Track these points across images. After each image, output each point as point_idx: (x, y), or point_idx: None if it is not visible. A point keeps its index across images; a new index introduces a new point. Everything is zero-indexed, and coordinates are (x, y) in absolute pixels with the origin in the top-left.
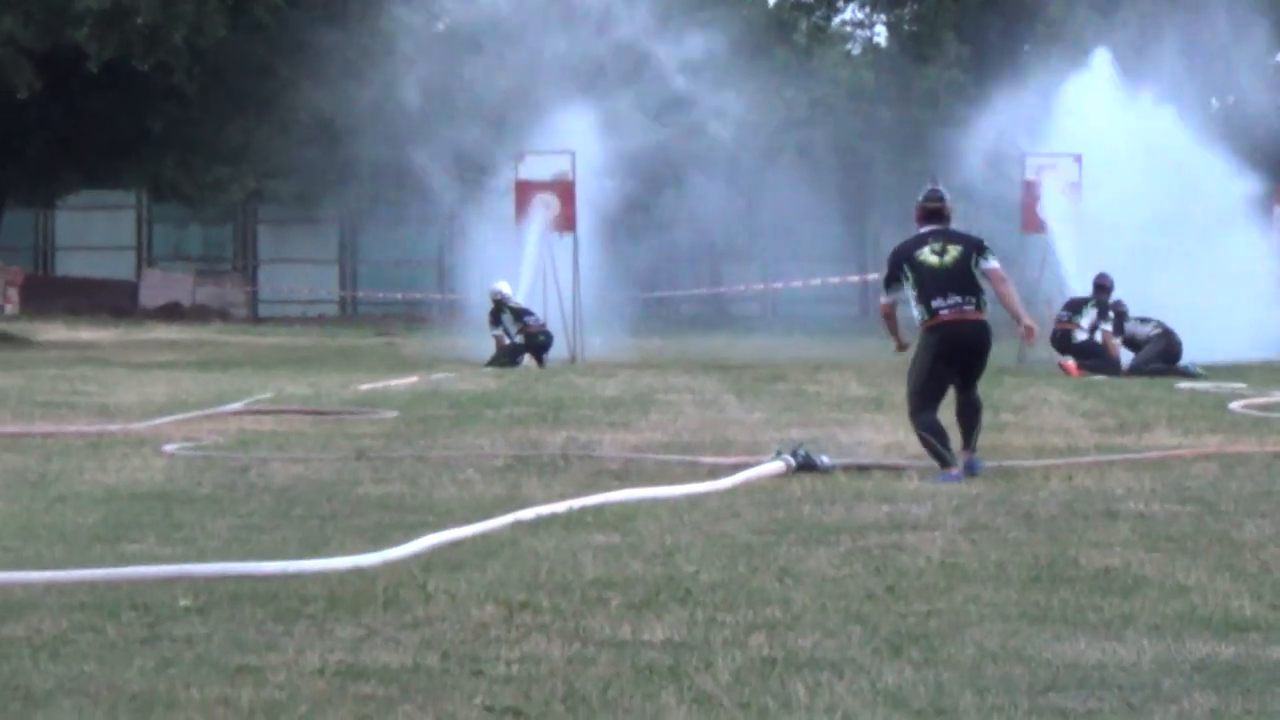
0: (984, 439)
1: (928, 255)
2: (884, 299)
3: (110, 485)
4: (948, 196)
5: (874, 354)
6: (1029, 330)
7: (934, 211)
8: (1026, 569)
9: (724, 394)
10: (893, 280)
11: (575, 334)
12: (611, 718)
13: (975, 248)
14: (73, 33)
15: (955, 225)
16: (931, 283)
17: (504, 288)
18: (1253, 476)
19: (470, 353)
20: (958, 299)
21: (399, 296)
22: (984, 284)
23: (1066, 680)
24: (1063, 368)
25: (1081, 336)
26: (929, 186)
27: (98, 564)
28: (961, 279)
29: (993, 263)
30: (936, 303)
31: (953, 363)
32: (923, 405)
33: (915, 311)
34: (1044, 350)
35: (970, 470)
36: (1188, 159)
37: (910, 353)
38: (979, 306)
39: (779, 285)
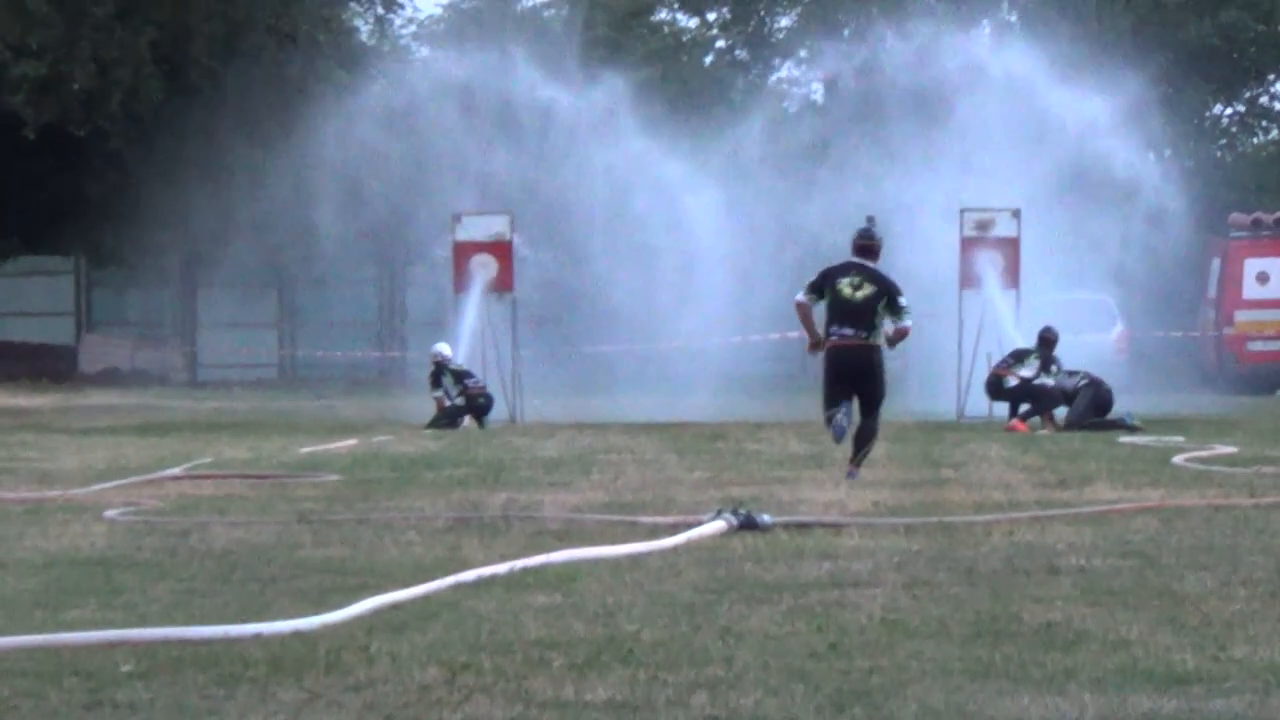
0: (924, 494)
1: (845, 287)
2: (801, 297)
3: (50, 551)
4: (878, 235)
5: (814, 412)
6: (896, 334)
7: (863, 248)
8: (968, 625)
9: (664, 453)
10: (814, 290)
11: (515, 395)
12: None
13: (889, 295)
14: (9, 99)
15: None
16: (838, 310)
17: (445, 349)
18: (1193, 530)
19: (410, 415)
20: (849, 331)
21: (339, 355)
22: (882, 320)
23: None
24: (1012, 429)
25: (1013, 383)
26: (864, 225)
27: (39, 630)
28: (861, 314)
29: (906, 322)
30: (833, 329)
31: (842, 379)
32: (827, 407)
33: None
34: (983, 406)
35: (848, 477)
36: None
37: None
38: (869, 337)
39: (719, 342)
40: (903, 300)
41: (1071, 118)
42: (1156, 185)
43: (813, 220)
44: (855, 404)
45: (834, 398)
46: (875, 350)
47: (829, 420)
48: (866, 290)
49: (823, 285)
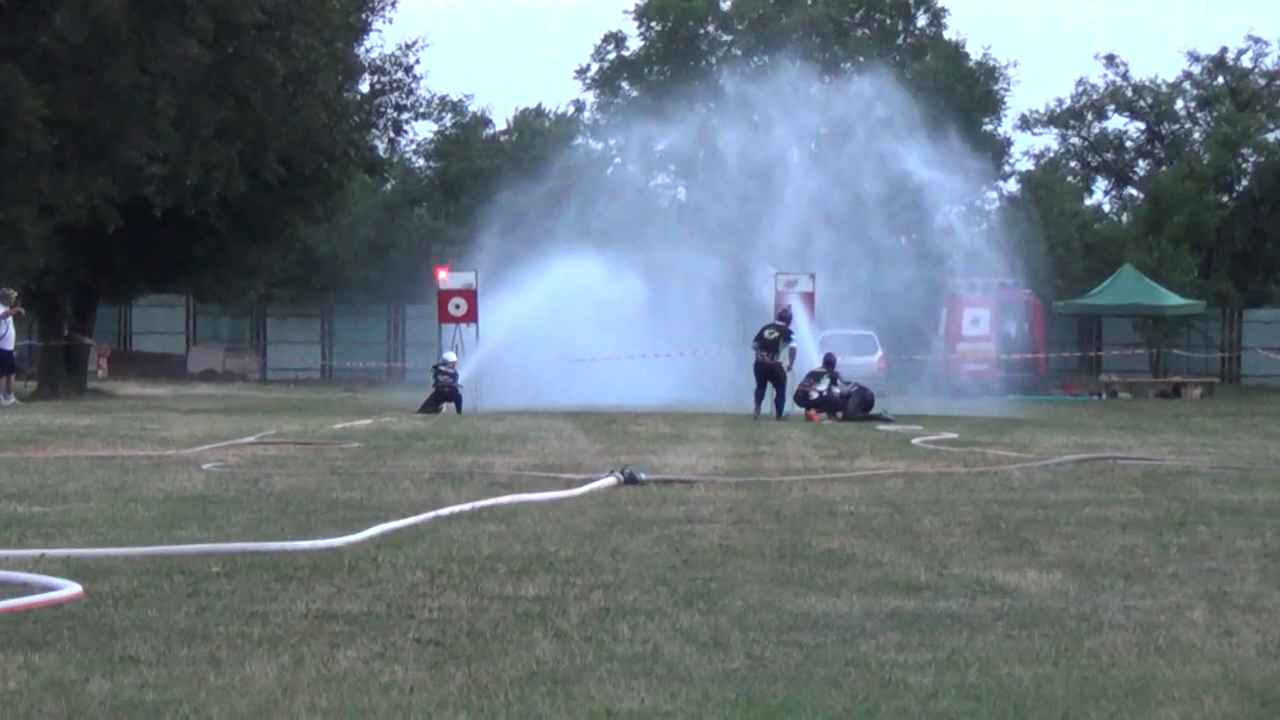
0: (748, 462)
1: (766, 332)
2: (755, 343)
3: (166, 491)
4: (789, 312)
5: (678, 405)
6: (790, 355)
7: (780, 316)
8: (776, 549)
9: (575, 431)
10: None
11: (478, 391)
12: (499, 646)
13: (785, 335)
14: (143, 189)
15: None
16: (761, 343)
17: (449, 356)
18: (927, 488)
19: (408, 404)
20: (766, 355)
21: (360, 365)
22: (781, 347)
23: (802, 623)
24: (808, 418)
25: (815, 395)
26: (783, 308)
27: (158, 543)
28: (772, 346)
29: (791, 344)
30: (759, 352)
31: (762, 379)
32: (756, 397)
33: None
34: (791, 407)
35: (774, 416)
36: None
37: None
38: (774, 357)
39: (626, 358)
40: (792, 337)
41: (840, 203)
42: (902, 253)
43: (679, 285)
44: (768, 396)
45: (760, 387)
46: (779, 365)
47: (758, 408)
48: (774, 334)
49: (761, 331)
